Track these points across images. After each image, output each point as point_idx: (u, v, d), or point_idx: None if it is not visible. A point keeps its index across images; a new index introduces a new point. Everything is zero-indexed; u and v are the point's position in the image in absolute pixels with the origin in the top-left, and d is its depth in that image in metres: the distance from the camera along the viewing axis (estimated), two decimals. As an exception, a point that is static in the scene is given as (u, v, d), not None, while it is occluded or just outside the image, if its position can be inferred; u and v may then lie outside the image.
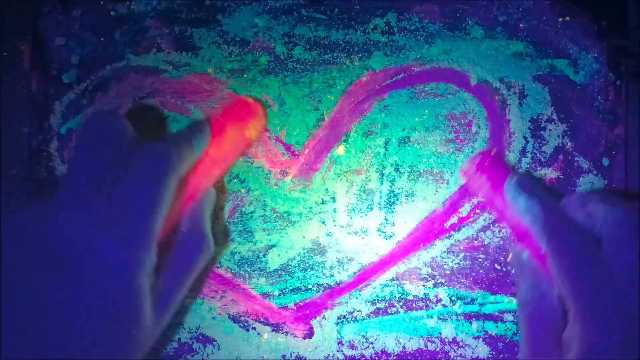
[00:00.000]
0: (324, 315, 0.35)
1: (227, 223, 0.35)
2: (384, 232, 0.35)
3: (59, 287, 0.24)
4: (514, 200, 0.30)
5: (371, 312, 0.35)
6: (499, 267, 0.35)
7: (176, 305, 0.29)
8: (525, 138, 0.35)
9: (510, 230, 0.34)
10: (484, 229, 0.35)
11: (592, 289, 0.26)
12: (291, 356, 0.35)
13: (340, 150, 0.36)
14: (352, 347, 0.35)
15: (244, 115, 0.34)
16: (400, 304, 0.35)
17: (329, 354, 0.35)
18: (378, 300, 0.35)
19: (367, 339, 0.35)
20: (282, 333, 0.35)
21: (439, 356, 0.35)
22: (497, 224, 0.35)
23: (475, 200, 0.35)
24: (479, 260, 0.35)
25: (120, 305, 0.25)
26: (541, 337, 0.29)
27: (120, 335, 0.25)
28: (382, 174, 0.36)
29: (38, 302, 0.23)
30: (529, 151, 0.35)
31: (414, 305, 0.35)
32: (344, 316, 0.35)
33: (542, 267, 0.30)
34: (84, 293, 0.24)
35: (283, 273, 0.35)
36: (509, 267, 0.35)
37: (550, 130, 0.36)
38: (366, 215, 0.35)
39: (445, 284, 0.35)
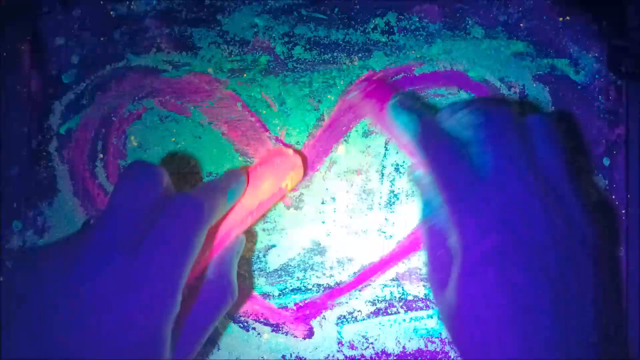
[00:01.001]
0: (324, 316, 0.35)
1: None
2: (384, 232, 0.35)
3: (78, 340, 0.24)
4: (395, 119, 0.30)
5: (371, 313, 0.35)
6: (499, 267, 0.35)
7: (196, 349, 0.29)
8: (525, 138, 0.35)
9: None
10: (484, 229, 0.35)
11: (462, 193, 0.26)
12: (291, 356, 0.35)
13: (340, 150, 0.36)
14: (352, 347, 0.35)
15: (283, 167, 0.33)
16: (401, 304, 0.35)
17: (329, 354, 0.35)
18: (378, 300, 0.35)
19: (367, 339, 0.35)
20: (282, 333, 0.35)
21: (439, 356, 0.34)
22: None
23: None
24: (479, 260, 0.35)
25: (141, 357, 0.24)
26: (436, 251, 0.29)
27: None
28: (382, 174, 0.36)
29: (55, 351, 0.23)
30: (529, 151, 0.35)
31: (414, 305, 0.35)
32: (344, 316, 0.35)
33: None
34: (103, 348, 0.24)
35: (283, 273, 0.35)
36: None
37: (550, 130, 0.35)
38: (366, 215, 0.35)
39: (446, 284, 0.35)
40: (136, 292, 0.25)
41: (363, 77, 0.35)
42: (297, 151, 0.35)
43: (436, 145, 0.28)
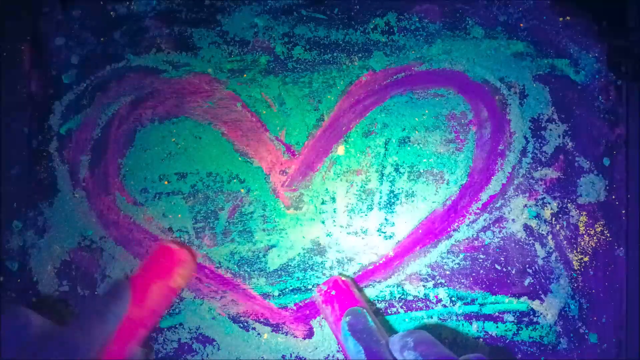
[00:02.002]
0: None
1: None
2: (384, 232, 0.35)
3: None
4: (344, 341, 0.30)
5: (371, 312, 0.35)
6: (499, 268, 0.35)
7: None
8: (525, 138, 0.35)
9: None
10: (484, 229, 0.35)
11: None
12: (291, 356, 0.35)
13: (340, 150, 0.36)
14: (352, 347, 0.35)
15: (169, 265, 0.32)
16: (400, 304, 0.35)
17: (329, 354, 0.35)
18: (378, 300, 0.35)
19: (367, 339, 0.35)
20: (282, 333, 0.35)
21: (439, 356, 0.34)
22: (497, 224, 0.35)
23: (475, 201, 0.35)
24: (479, 260, 0.35)
25: None
26: None
27: None
28: (382, 174, 0.36)
29: None
30: (529, 151, 0.35)
31: (414, 305, 0.35)
32: (344, 316, 0.35)
33: None
34: None
35: (283, 273, 0.35)
36: (509, 267, 0.35)
37: (550, 130, 0.35)
38: (366, 215, 0.35)
39: (446, 284, 0.35)
40: None
41: (325, 285, 0.33)
42: (182, 245, 0.34)
43: None
